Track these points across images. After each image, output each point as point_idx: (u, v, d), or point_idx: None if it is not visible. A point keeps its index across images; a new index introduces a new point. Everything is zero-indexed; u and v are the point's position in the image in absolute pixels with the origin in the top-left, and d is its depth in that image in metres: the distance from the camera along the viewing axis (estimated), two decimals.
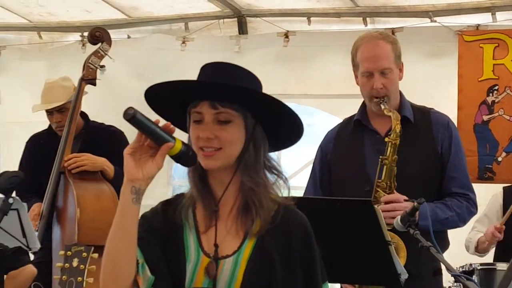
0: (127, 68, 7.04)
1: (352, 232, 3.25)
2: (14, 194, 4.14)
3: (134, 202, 2.25)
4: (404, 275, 3.22)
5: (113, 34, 5.73)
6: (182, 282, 2.35)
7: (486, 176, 6.18)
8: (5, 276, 4.56)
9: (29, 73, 7.46)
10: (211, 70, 2.40)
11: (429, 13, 6.45)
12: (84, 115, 5.24)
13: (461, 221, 3.79)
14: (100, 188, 4.93)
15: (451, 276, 3.13)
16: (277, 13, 6.93)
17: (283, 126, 2.41)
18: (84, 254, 2.54)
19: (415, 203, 3.20)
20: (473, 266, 5.08)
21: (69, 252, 2.55)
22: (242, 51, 6.94)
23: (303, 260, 2.37)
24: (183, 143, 2.28)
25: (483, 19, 6.43)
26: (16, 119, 7.38)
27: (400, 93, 3.86)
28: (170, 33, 7.26)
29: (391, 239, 3.29)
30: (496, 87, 6.30)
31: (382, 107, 3.72)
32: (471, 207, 3.81)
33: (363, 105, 3.91)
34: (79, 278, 2.51)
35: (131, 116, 2.18)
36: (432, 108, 3.96)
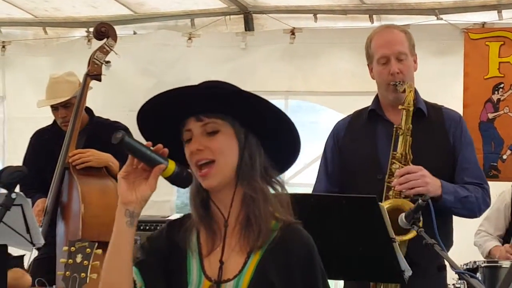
0: (132, 64, 7.00)
1: (356, 229, 3.24)
2: (18, 190, 4.13)
3: (128, 225, 2.26)
4: (408, 272, 3.22)
5: (119, 30, 5.73)
6: None
7: (491, 174, 6.18)
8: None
9: (34, 68, 7.46)
10: (195, 87, 2.35)
11: (435, 10, 6.46)
12: (89, 111, 5.23)
13: (478, 206, 3.74)
14: (105, 184, 4.93)
15: (455, 273, 3.12)
16: (283, 10, 6.95)
17: (271, 126, 2.37)
18: (88, 250, 2.53)
19: (420, 201, 3.19)
20: (477, 263, 5.10)
21: (72, 248, 2.55)
22: (248, 47, 6.90)
23: (305, 283, 2.34)
24: (176, 164, 2.27)
25: (489, 17, 6.43)
26: (21, 115, 7.40)
27: (415, 89, 3.85)
28: (176, 29, 7.26)
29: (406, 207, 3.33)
30: (502, 85, 6.29)
31: (398, 88, 3.71)
32: (486, 197, 3.78)
33: (377, 97, 3.90)
34: (82, 274, 2.51)
35: (119, 140, 2.18)
36: (443, 105, 3.96)
